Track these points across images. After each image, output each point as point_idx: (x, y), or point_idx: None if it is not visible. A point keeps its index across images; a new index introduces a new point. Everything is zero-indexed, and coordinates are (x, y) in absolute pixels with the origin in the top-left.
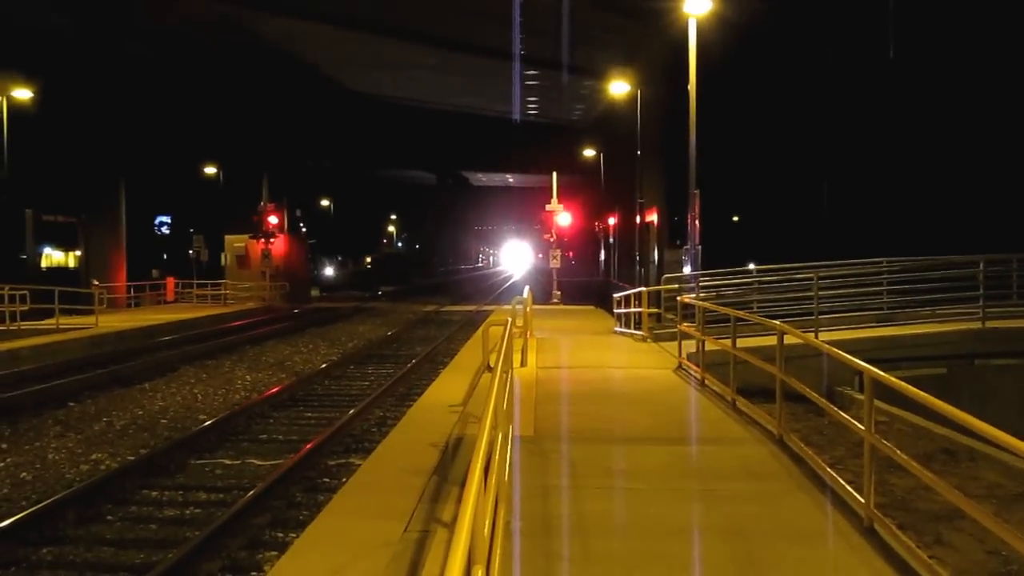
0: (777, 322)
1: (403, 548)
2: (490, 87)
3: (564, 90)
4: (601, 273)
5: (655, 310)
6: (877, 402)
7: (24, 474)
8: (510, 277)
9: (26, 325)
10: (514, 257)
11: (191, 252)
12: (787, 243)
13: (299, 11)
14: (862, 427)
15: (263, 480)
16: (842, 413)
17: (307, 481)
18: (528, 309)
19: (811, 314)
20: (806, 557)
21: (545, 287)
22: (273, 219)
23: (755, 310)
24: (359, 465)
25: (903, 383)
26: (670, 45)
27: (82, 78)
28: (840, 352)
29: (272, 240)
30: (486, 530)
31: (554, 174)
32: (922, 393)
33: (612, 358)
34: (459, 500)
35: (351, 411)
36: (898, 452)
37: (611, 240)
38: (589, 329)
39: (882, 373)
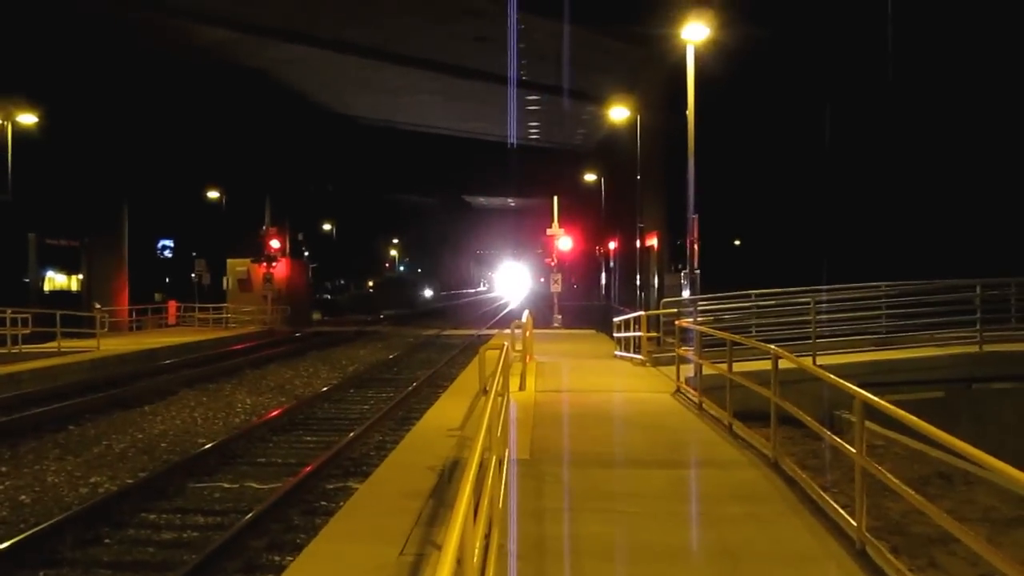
0: (772, 346)
1: (398, 571)
2: (492, 112)
3: (565, 115)
4: (602, 297)
5: (654, 334)
6: (876, 427)
7: (23, 497)
8: (506, 304)
9: (28, 348)
10: (511, 281)
11: (193, 276)
12: (788, 267)
13: (302, 38)
14: (854, 450)
15: (261, 503)
16: (835, 437)
17: (305, 504)
18: (528, 333)
19: (810, 338)
20: None
21: (545, 312)
22: (275, 243)
23: (754, 334)
24: (357, 488)
25: (894, 407)
26: (670, 71)
27: (86, 103)
28: (832, 376)
29: (274, 264)
30: (476, 551)
31: (555, 198)
32: (913, 417)
33: (611, 382)
34: (449, 525)
35: (350, 435)
36: (889, 476)
37: (612, 264)
38: (589, 353)
39: (873, 397)
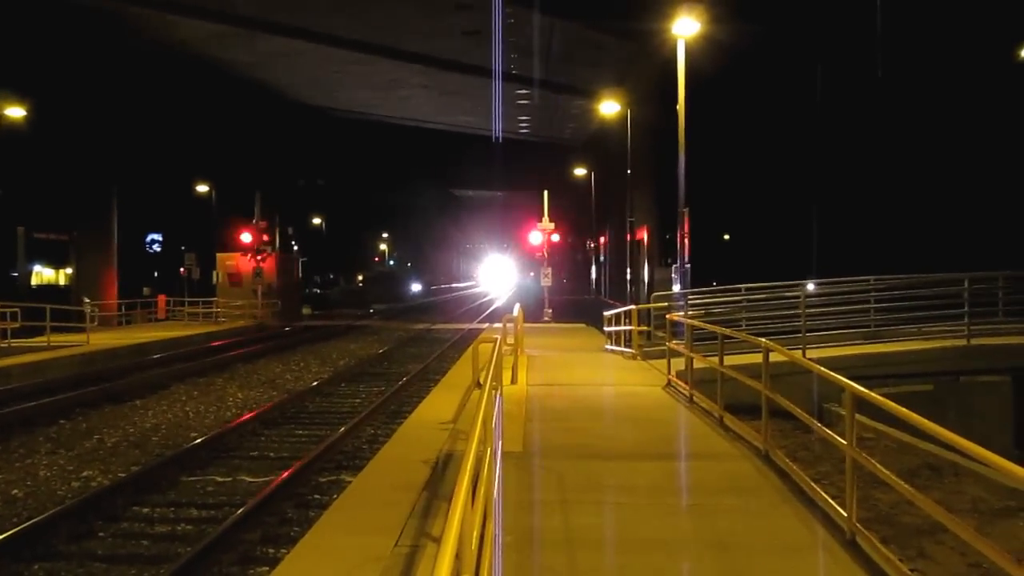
0: (763, 339)
1: (393, 562)
2: (482, 106)
3: (555, 109)
4: (592, 291)
5: (645, 328)
6: (866, 419)
7: (15, 491)
8: (495, 299)
9: (17, 343)
10: (498, 276)
11: (182, 270)
12: (777, 261)
13: (291, 31)
14: (844, 442)
15: (254, 496)
16: (826, 429)
17: (298, 497)
18: (519, 327)
19: (799, 332)
20: (790, 570)
21: (535, 306)
22: (265, 237)
23: (744, 328)
24: (350, 482)
25: (884, 399)
26: (660, 66)
27: (75, 97)
28: (823, 369)
29: (264, 258)
30: (474, 543)
31: (545, 192)
32: (903, 409)
33: (602, 375)
34: (449, 514)
35: (342, 429)
36: (879, 467)
37: (602, 258)
38: (580, 347)
39: (863, 389)
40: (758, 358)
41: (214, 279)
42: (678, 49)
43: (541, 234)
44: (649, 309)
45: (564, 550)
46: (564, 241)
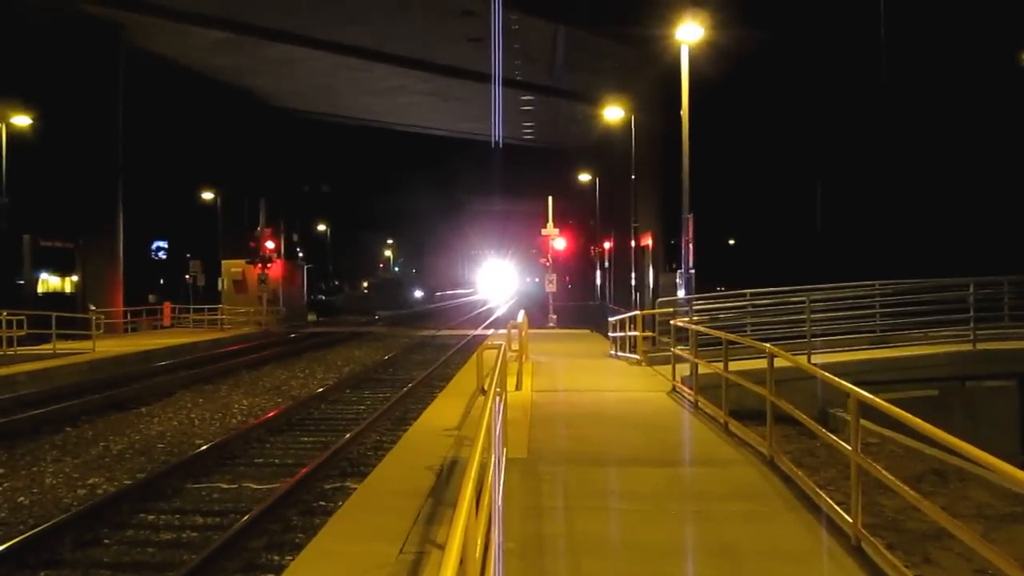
0: (767, 345)
1: (398, 569)
2: (486, 113)
3: (560, 115)
4: (596, 297)
5: (650, 333)
6: (871, 424)
7: (21, 498)
8: (498, 306)
9: (23, 350)
10: (500, 281)
11: (188, 277)
12: (782, 266)
13: (296, 39)
14: (849, 447)
15: (260, 503)
16: (830, 435)
17: (303, 504)
18: (524, 333)
19: (804, 337)
20: None
21: (539, 312)
22: (270, 244)
23: (749, 333)
24: (355, 488)
25: (889, 405)
26: (664, 71)
27: (80, 105)
28: (828, 374)
29: (269, 265)
30: (478, 550)
31: (550, 198)
32: (908, 414)
33: (607, 381)
34: (453, 521)
35: (347, 435)
36: (883, 472)
37: (607, 264)
38: (584, 353)
39: (868, 395)
40: (763, 363)
41: (219, 286)
42: (682, 55)
43: (546, 240)
44: (654, 315)
45: (568, 557)
46: (569, 247)
